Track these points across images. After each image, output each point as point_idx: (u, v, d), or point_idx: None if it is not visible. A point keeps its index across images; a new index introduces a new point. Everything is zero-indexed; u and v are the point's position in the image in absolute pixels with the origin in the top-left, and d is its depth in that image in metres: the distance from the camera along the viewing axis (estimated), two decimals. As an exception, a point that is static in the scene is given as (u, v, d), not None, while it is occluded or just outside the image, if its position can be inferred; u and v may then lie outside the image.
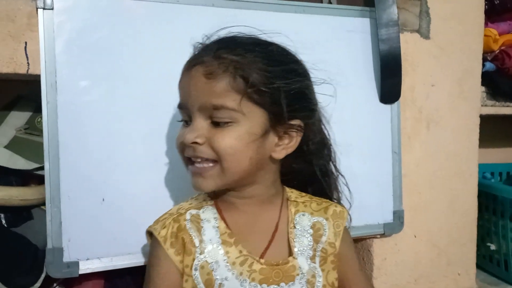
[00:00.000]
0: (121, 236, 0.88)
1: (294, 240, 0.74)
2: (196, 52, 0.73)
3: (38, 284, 0.81)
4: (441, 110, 1.18)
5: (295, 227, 0.75)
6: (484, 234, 1.39)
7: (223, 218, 0.73)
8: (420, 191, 1.17)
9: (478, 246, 1.26)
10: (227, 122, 0.67)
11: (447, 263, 1.22)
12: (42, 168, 0.91)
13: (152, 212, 0.88)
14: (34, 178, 0.95)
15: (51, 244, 0.83)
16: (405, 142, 1.13)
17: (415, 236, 1.17)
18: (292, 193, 0.80)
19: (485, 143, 1.30)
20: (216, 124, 0.67)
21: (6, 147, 0.93)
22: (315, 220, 0.76)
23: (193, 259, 0.69)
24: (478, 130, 1.23)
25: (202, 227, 0.71)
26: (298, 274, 0.72)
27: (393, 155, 1.11)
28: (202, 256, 0.69)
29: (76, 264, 0.84)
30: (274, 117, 0.69)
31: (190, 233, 0.70)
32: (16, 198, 0.88)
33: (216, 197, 0.76)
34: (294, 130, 0.72)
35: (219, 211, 0.74)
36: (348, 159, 1.04)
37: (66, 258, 0.84)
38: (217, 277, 0.68)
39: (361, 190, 1.06)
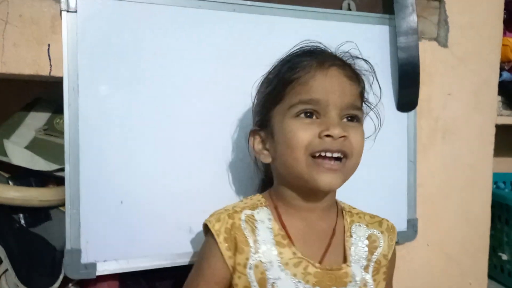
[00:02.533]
0: (138, 238, 0.88)
1: (350, 248, 0.76)
2: (319, 54, 0.75)
3: (57, 285, 0.82)
4: (457, 120, 1.18)
5: (351, 236, 0.78)
6: (496, 244, 1.39)
7: (279, 220, 0.75)
8: (433, 200, 1.17)
9: (489, 256, 1.26)
10: (358, 122, 0.74)
11: (459, 273, 1.21)
12: (61, 169, 0.92)
13: (169, 215, 0.90)
14: (53, 179, 0.96)
15: (70, 246, 0.83)
16: (420, 151, 1.13)
17: (427, 245, 1.17)
18: (345, 205, 0.83)
19: (499, 152, 1.29)
20: (348, 122, 0.73)
21: (26, 147, 0.93)
22: (370, 232, 0.80)
23: (247, 258, 0.71)
24: (493, 141, 1.22)
25: (256, 227, 0.74)
26: (350, 281, 0.74)
27: (408, 164, 1.11)
28: (256, 256, 0.71)
29: (93, 265, 0.85)
30: None
31: (245, 233, 0.73)
32: (35, 198, 0.89)
33: (276, 199, 0.78)
34: None
35: (277, 212, 0.76)
36: (363, 166, 1.05)
37: (84, 259, 0.84)
38: (270, 276, 0.71)
39: (376, 198, 1.07)
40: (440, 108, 1.16)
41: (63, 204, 0.85)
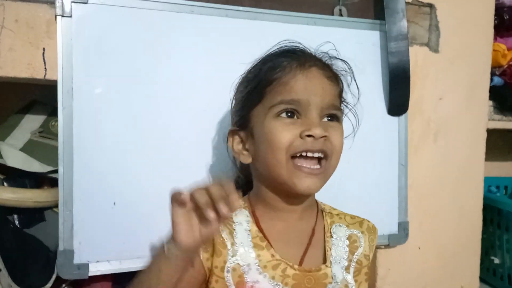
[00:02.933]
0: (130, 239, 0.89)
1: (331, 248, 0.77)
2: (301, 55, 0.76)
3: (49, 284, 0.83)
4: (449, 123, 1.19)
5: (331, 237, 0.78)
6: (488, 247, 1.39)
7: (256, 222, 0.75)
8: (425, 203, 1.18)
9: (481, 259, 1.27)
10: (337, 121, 0.75)
11: (451, 276, 1.22)
12: (55, 171, 0.93)
13: (161, 217, 0.91)
14: (47, 180, 0.98)
15: (63, 246, 0.85)
16: (412, 154, 1.14)
17: (419, 248, 1.18)
18: (325, 206, 0.83)
19: (491, 156, 1.31)
20: (328, 121, 0.73)
21: (21, 149, 0.95)
22: (351, 232, 0.80)
23: (224, 261, 0.71)
24: (484, 144, 1.24)
25: (234, 230, 0.73)
26: (330, 282, 0.74)
27: (399, 167, 1.12)
28: (234, 259, 0.71)
29: (86, 266, 0.86)
30: None
31: (223, 235, 0.72)
32: (30, 200, 0.90)
33: (257, 202, 0.77)
34: None
35: (254, 215, 0.76)
36: (354, 169, 1.06)
37: (77, 260, 0.86)
38: (248, 279, 0.71)
39: (367, 201, 1.08)
40: (432, 112, 1.18)
41: (57, 205, 0.86)
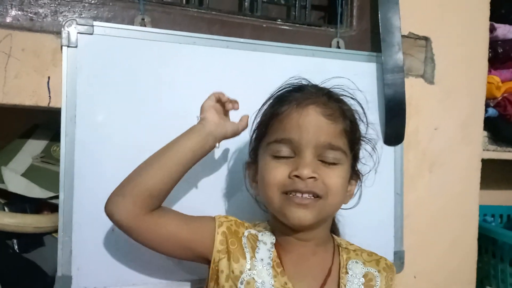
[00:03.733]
0: (129, 266, 0.90)
1: (346, 285, 0.75)
2: (298, 93, 0.76)
3: (46, 310, 0.84)
4: (444, 153, 1.21)
5: (347, 273, 0.76)
6: (483, 277, 1.40)
7: (277, 247, 0.76)
8: (421, 232, 1.19)
9: (477, 288, 1.28)
10: (336, 163, 0.72)
11: (446, 305, 1.23)
12: (55, 197, 0.94)
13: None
14: (47, 205, 0.99)
15: (61, 272, 0.85)
16: (408, 183, 1.16)
17: (415, 277, 1.19)
18: (342, 241, 0.82)
19: (487, 184, 1.32)
20: (325, 162, 0.72)
21: (23, 175, 0.96)
22: (367, 270, 0.78)
23: (241, 271, 0.72)
24: (479, 174, 1.25)
25: (257, 246, 0.75)
26: None
27: (395, 196, 1.13)
28: (250, 272, 0.72)
29: (83, 292, 0.87)
30: (354, 165, 0.77)
31: (244, 247, 0.74)
32: (30, 225, 0.91)
33: (275, 229, 0.78)
34: (356, 179, 0.80)
35: (277, 240, 0.77)
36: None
37: (75, 286, 0.86)
38: None
39: (363, 230, 1.09)
40: (427, 142, 1.20)
41: (57, 231, 0.87)
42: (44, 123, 1.10)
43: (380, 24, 1.07)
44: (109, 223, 0.88)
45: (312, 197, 0.71)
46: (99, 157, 0.89)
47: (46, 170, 0.99)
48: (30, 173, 0.98)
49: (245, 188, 0.87)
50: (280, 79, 0.83)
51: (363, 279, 0.76)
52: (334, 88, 0.80)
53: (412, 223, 1.17)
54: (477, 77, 1.25)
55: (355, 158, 0.79)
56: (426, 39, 1.20)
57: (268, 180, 0.72)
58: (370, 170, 0.85)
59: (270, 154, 0.73)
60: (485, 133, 1.31)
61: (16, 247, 0.94)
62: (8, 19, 0.87)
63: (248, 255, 0.73)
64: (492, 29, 1.30)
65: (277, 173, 0.71)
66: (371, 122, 0.84)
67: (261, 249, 0.74)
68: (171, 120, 0.93)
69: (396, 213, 1.13)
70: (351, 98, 0.81)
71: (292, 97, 0.75)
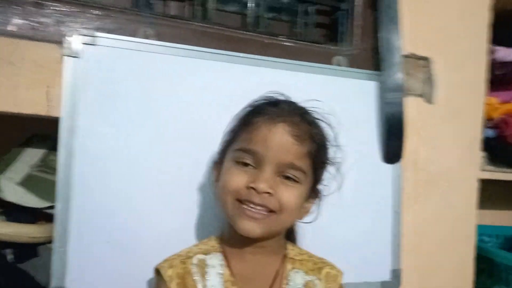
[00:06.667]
0: (123, 278, 0.89)
1: None
2: (274, 108, 0.77)
3: (38, 323, 0.82)
4: (442, 174, 1.21)
5: (288, 284, 0.77)
6: (480, 297, 1.39)
7: (228, 265, 0.76)
8: (418, 251, 1.18)
9: (474, 309, 1.27)
10: (295, 181, 0.74)
11: (443, 326, 1.22)
12: (51, 207, 0.93)
13: (155, 256, 0.90)
14: (43, 216, 0.98)
15: (55, 283, 0.84)
16: (405, 203, 1.15)
17: (411, 296, 1.18)
18: (293, 250, 0.83)
19: (484, 205, 1.32)
20: (283, 179, 0.73)
21: (19, 184, 0.95)
22: (308, 279, 0.79)
23: None
24: (477, 195, 1.25)
25: (206, 272, 0.75)
26: None
27: (393, 215, 1.13)
28: None
29: (77, 304, 0.86)
30: (314, 184, 0.79)
31: (195, 278, 0.73)
32: (25, 235, 0.90)
33: (226, 243, 0.79)
34: (314, 197, 0.81)
35: (226, 258, 0.77)
36: (348, 215, 1.08)
37: (68, 298, 0.85)
38: None
39: (360, 247, 1.09)
40: (426, 161, 1.20)
41: (52, 241, 0.86)
42: (43, 132, 1.09)
43: (380, 44, 1.08)
44: (104, 235, 0.88)
45: (265, 212, 0.72)
46: (96, 168, 0.88)
47: (43, 179, 0.98)
48: (27, 183, 0.97)
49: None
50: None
51: None
52: (310, 109, 0.80)
53: (409, 243, 1.16)
54: (476, 98, 1.26)
55: (316, 178, 0.80)
56: (426, 59, 1.21)
57: (225, 184, 0.74)
58: (332, 192, 0.86)
59: (234, 160, 0.75)
60: (483, 153, 1.31)
61: (10, 257, 0.93)
62: (11, 28, 0.86)
63: (199, 285, 0.73)
64: (491, 52, 1.31)
65: (236, 180, 0.73)
66: (340, 145, 0.85)
67: (210, 275, 0.75)
68: (171, 133, 0.93)
69: (394, 231, 1.13)
70: (323, 121, 0.82)
71: (266, 110, 0.76)
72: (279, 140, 0.73)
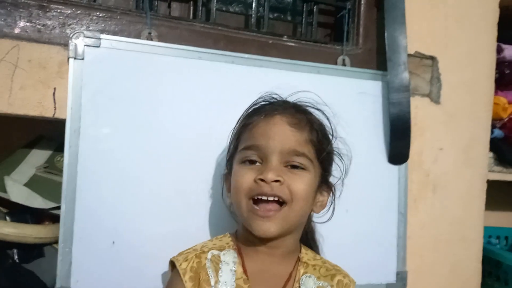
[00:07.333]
0: (128, 279, 0.90)
1: None
2: (268, 104, 0.81)
3: (43, 323, 0.83)
4: (448, 175, 1.20)
5: (299, 287, 0.77)
6: (487, 300, 1.38)
7: (242, 264, 0.76)
8: (424, 253, 1.17)
9: (481, 312, 1.25)
10: (302, 168, 0.75)
11: (449, 328, 1.21)
12: (57, 207, 0.94)
13: (160, 257, 0.91)
14: (48, 216, 0.98)
15: (60, 284, 0.85)
16: (411, 204, 1.15)
17: (417, 299, 1.17)
18: (306, 255, 0.82)
19: (492, 206, 1.31)
20: (290, 168, 0.74)
21: (25, 185, 0.97)
22: (320, 284, 0.78)
23: None
24: (484, 196, 1.24)
25: (220, 268, 0.75)
26: None
27: (398, 216, 1.12)
28: None
29: (82, 304, 0.86)
30: (323, 175, 0.80)
31: (208, 272, 0.74)
32: (30, 236, 0.91)
33: (241, 241, 0.80)
34: (328, 189, 0.82)
35: (240, 256, 0.77)
36: (353, 216, 1.07)
37: (73, 298, 0.86)
38: None
39: (365, 249, 1.08)
40: (432, 162, 1.19)
41: (57, 242, 0.86)
42: (49, 134, 1.10)
43: (386, 43, 1.07)
44: (109, 236, 0.89)
45: (276, 204, 0.73)
46: (102, 169, 0.89)
47: (49, 181, 0.99)
48: (33, 183, 0.98)
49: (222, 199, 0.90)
50: (285, 95, 0.85)
51: None
52: (302, 102, 0.83)
53: (415, 245, 1.16)
54: (483, 98, 1.25)
55: (324, 169, 0.80)
56: (432, 58, 1.20)
57: (236, 185, 0.75)
58: (337, 181, 0.86)
59: (240, 162, 0.77)
60: (491, 154, 1.30)
61: (16, 257, 0.94)
62: (16, 30, 0.87)
63: (212, 280, 0.74)
64: (499, 50, 1.30)
65: (245, 178, 0.74)
66: (340, 136, 0.86)
67: (223, 271, 0.75)
68: (175, 134, 0.94)
69: (399, 232, 1.12)
70: (317, 109, 0.84)
71: (262, 108, 0.80)
72: (278, 130, 0.75)
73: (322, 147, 0.78)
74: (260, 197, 0.72)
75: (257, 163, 0.75)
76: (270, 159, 0.73)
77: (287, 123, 0.75)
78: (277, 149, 0.73)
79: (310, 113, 0.81)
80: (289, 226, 0.75)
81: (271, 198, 0.72)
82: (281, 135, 0.74)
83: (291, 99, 0.84)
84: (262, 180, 0.72)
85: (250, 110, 0.82)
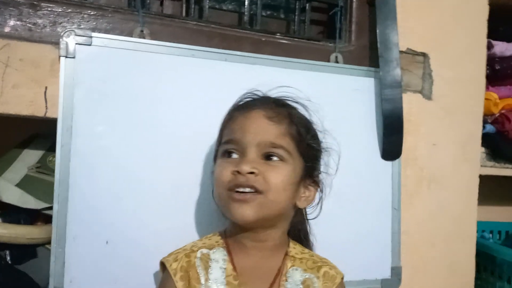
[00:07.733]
0: (121, 279, 0.89)
1: None
2: (249, 100, 0.83)
3: (37, 323, 0.82)
4: (442, 170, 1.21)
5: (287, 281, 0.78)
6: (481, 294, 1.39)
7: (231, 261, 0.77)
8: (418, 248, 1.18)
9: (475, 307, 1.26)
10: (280, 160, 0.75)
11: (444, 323, 1.21)
12: (50, 208, 0.93)
13: (154, 256, 0.91)
14: (41, 216, 0.98)
15: (53, 284, 0.84)
16: (405, 200, 1.15)
17: (412, 294, 1.17)
18: (294, 249, 0.83)
19: (485, 201, 1.32)
20: (268, 160, 0.75)
21: (17, 185, 0.96)
22: (306, 277, 0.79)
23: None
24: (477, 191, 1.25)
25: (210, 266, 0.76)
26: None
27: (393, 211, 1.13)
28: None
29: (75, 305, 0.85)
30: (306, 169, 0.79)
31: (198, 270, 0.75)
32: (23, 236, 0.90)
33: (229, 238, 0.80)
34: (314, 185, 0.82)
35: (229, 253, 0.78)
36: (348, 212, 1.07)
37: (67, 298, 0.85)
38: None
39: (360, 245, 1.08)
40: (426, 158, 1.20)
41: (50, 242, 0.86)
42: (42, 132, 1.09)
43: (378, 40, 1.08)
44: (103, 235, 0.88)
45: (253, 192, 0.73)
46: (94, 168, 0.88)
47: (41, 181, 0.98)
48: (25, 184, 0.97)
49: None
50: (278, 93, 0.84)
51: (301, 286, 0.78)
52: (284, 97, 0.83)
53: (410, 240, 1.16)
54: (475, 93, 1.26)
55: (308, 162, 0.80)
56: (424, 55, 1.20)
57: (217, 178, 0.77)
58: (333, 177, 0.88)
59: (220, 156, 0.79)
60: (483, 149, 1.31)
61: (8, 258, 0.93)
62: (7, 29, 0.87)
63: (202, 278, 0.74)
64: (489, 46, 1.31)
65: (224, 171, 0.75)
66: (326, 130, 0.86)
67: (213, 268, 0.76)
68: (168, 132, 0.93)
69: (394, 228, 1.12)
70: (296, 102, 0.84)
71: (243, 103, 0.82)
72: (255, 123, 0.76)
73: (302, 140, 0.79)
74: (237, 190, 0.73)
75: (236, 156, 0.76)
76: (247, 152, 0.75)
77: (265, 116, 0.76)
78: (254, 142, 0.75)
79: (293, 108, 0.82)
80: (267, 214, 0.75)
81: (247, 190, 0.73)
82: (257, 128, 0.75)
83: (278, 95, 0.84)
84: (238, 172, 0.73)
85: (232, 107, 0.83)
